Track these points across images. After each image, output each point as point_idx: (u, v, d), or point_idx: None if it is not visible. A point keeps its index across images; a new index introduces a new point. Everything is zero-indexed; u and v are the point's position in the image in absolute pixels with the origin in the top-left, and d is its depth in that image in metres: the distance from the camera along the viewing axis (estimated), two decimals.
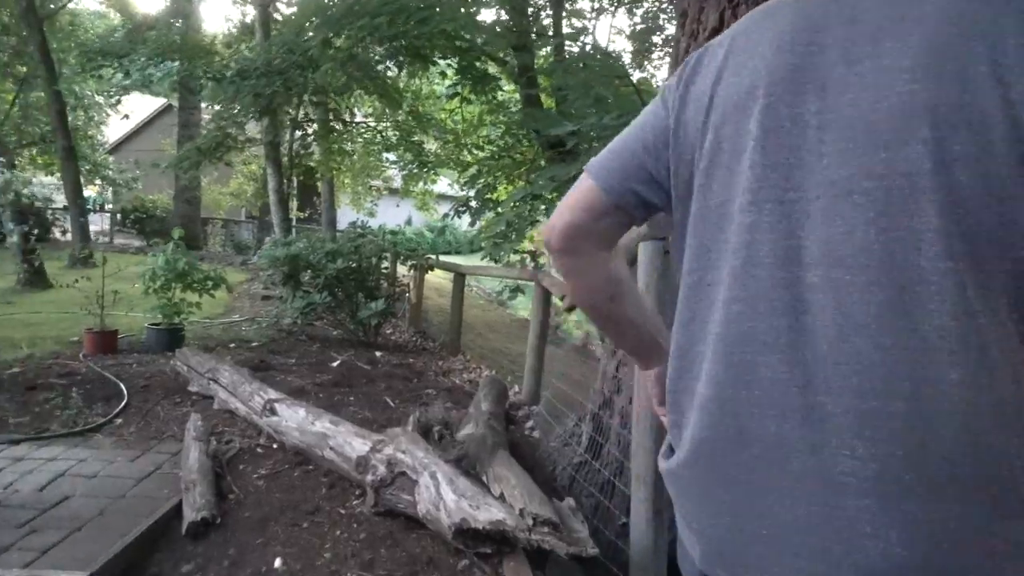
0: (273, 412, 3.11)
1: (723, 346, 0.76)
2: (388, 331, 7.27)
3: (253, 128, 11.01)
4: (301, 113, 8.72)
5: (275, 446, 3.06)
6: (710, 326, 0.79)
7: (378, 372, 4.96)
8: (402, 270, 7.88)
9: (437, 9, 5.81)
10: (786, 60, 0.75)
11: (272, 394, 3.28)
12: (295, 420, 3.02)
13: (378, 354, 5.72)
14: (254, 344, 5.74)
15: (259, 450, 3.03)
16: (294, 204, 18.91)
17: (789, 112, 0.74)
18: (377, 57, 7.31)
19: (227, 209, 18.49)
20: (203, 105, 13.73)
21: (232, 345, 5.57)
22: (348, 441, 2.76)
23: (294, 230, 17.22)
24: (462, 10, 6.09)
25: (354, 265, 6.28)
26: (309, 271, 6.34)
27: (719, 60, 0.83)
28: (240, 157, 15.37)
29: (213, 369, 3.84)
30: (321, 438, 2.86)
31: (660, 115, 0.88)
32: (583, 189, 0.90)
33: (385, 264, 7.13)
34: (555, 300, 4.72)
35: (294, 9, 7.78)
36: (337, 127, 11.04)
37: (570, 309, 3.86)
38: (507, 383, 4.78)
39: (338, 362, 5.16)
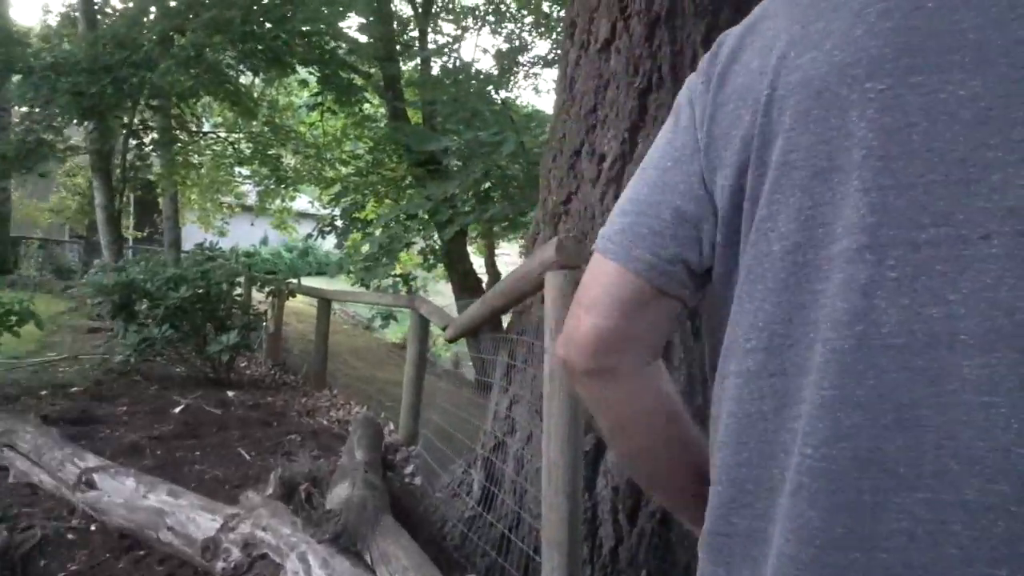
0: (91, 485, 2.49)
1: (823, 476, 0.48)
2: (243, 364, 6.52)
3: (79, 134, 9.65)
4: (137, 119, 7.67)
5: (93, 528, 2.44)
6: (790, 439, 0.50)
7: (231, 416, 4.32)
8: (259, 296, 7.13)
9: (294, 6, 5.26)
10: (902, 22, 0.49)
11: (91, 461, 2.65)
12: (121, 494, 2.43)
13: (231, 394, 5.04)
14: (74, 389, 4.83)
15: (71, 536, 2.39)
16: (130, 222, 17.01)
17: (921, 100, 0.47)
18: (228, 60, 6.58)
19: (46, 227, 16.18)
20: (14, 106, 11.89)
21: (44, 393, 4.65)
22: (192, 517, 2.25)
23: (130, 251, 15.42)
24: (324, 10, 5.60)
25: (201, 292, 5.53)
26: (147, 300, 5.51)
27: (773, 34, 0.56)
28: (62, 168, 13.53)
29: (8, 432, 3.07)
30: (156, 515, 2.32)
31: (688, 135, 0.60)
32: (605, 275, 0.60)
33: (239, 290, 6.39)
34: (432, 328, 4.38)
35: (130, 3, 6.82)
36: (182, 137, 9.94)
37: (453, 340, 3.53)
38: (381, 420, 4.35)
39: (182, 407, 4.45)
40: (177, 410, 4.35)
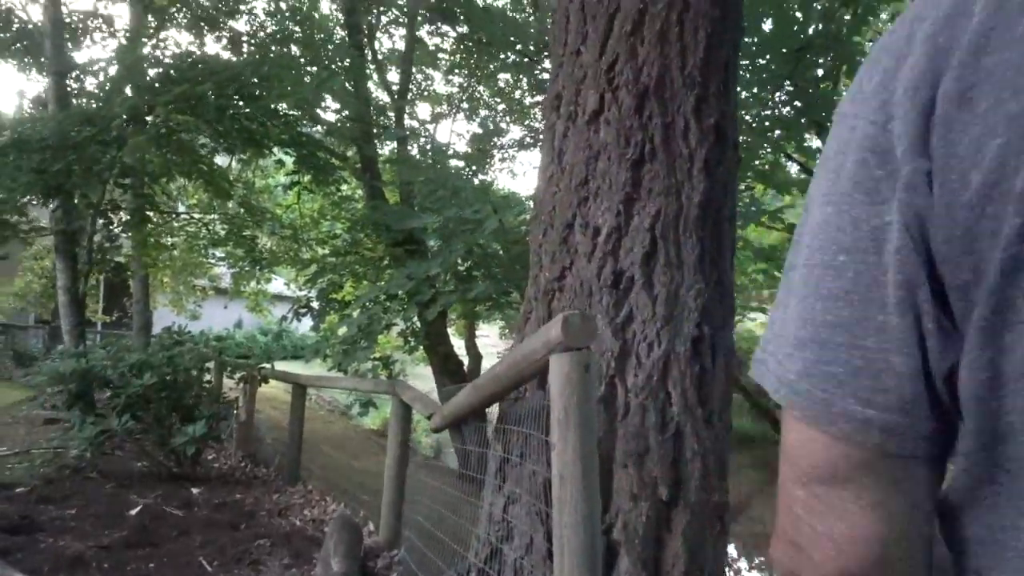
0: None
1: None
2: (210, 457, 6.10)
3: (46, 215, 9.41)
4: (107, 198, 7.46)
5: None
6: None
7: (194, 518, 3.94)
8: (231, 382, 6.78)
9: (273, 82, 5.19)
10: None
11: None
12: None
13: (196, 491, 4.64)
14: (19, 489, 4.41)
15: None
16: (99, 306, 16.57)
17: None
18: (203, 139, 6.50)
19: (9, 312, 15.63)
20: None
21: None
22: None
23: (97, 336, 14.86)
24: (300, 89, 5.56)
25: (169, 379, 5.20)
26: (108, 388, 5.15)
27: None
28: (30, 250, 13.23)
29: None
30: None
31: (867, 190, 0.39)
32: (809, 451, 0.40)
33: (209, 376, 6.06)
34: (416, 415, 4.10)
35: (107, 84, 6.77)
36: (154, 218, 9.77)
37: (440, 429, 3.27)
38: (360, 519, 4.00)
39: (139, 508, 4.05)
40: (133, 512, 3.95)
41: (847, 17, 4.51)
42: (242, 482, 5.35)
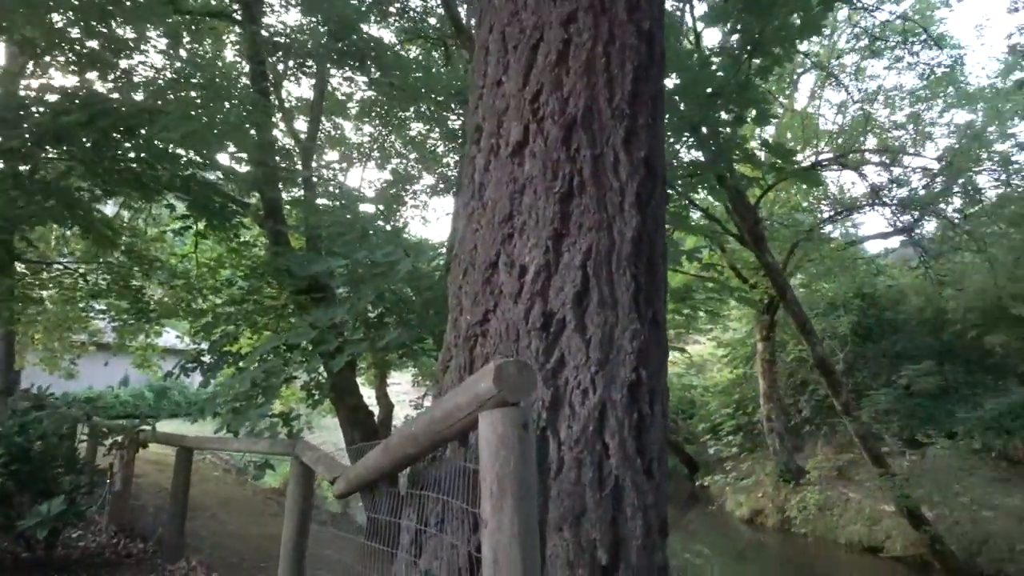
0: None
1: None
2: (75, 535, 5.30)
3: None
4: None
5: None
6: None
7: None
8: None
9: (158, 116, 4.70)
10: None
11: None
12: None
13: None
14: None
15: None
16: None
17: None
18: (79, 183, 5.84)
19: None
20: None
21: None
22: None
23: None
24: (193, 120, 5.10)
25: (22, 450, 4.47)
26: None
27: None
28: None
29: None
30: None
31: None
32: None
33: (81, 440, 5.31)
34: (319, 477, 3.68)
35: None
36: (20, 268, 8.74)
37: (342, 496, 2.89)
38: None
39: None
40: None
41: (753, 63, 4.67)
42: (112, 563, 4.64)
